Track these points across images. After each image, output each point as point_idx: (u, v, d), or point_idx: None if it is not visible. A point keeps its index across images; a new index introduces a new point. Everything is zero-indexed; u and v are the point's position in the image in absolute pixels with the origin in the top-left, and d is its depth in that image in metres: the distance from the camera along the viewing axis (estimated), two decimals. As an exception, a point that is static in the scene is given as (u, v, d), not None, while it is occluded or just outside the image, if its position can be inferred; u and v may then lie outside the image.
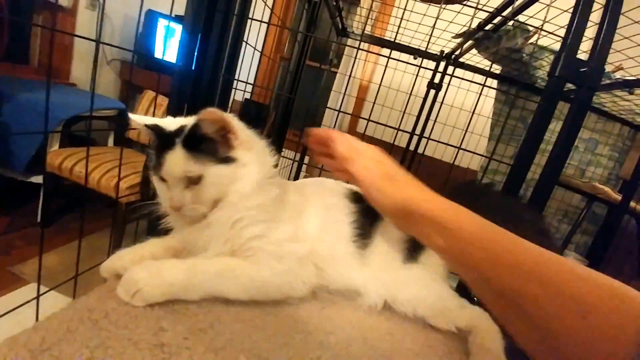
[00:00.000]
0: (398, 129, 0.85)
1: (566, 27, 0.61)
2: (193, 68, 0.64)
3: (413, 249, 0.49)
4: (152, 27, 2.21)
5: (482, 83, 0.92)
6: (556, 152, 0.62)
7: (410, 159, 1.83)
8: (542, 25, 0.71)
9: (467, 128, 0.84)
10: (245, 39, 0.78)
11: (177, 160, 0.39)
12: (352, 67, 2.32)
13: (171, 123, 0.43)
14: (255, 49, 0.88)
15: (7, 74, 1.60)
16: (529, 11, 0.88)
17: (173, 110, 0.63)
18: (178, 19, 2.22)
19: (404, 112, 0.97)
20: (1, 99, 1.42)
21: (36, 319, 0.64)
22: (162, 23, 2.24)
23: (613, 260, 1.34)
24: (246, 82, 0.88)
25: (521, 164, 0.67)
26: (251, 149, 0.44)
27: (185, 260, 0.38)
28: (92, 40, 0.58)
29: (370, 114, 0.87)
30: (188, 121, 0.43)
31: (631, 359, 0.23)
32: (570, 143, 0.62)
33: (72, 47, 1.96)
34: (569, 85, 0.65)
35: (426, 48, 1.40)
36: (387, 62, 0.89)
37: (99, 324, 0.29)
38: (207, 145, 0.40)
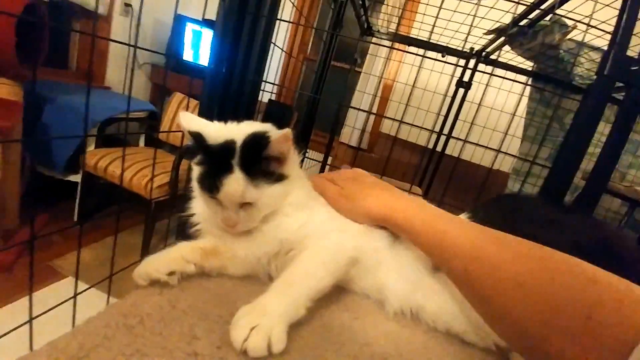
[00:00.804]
0: (421, 128, 0.82)
1: (614, 22, 0.57)
2: (224, 71, 0.64)
3: None
4: (181, 31, 2.28)
5: (516, 80, 0.87)
6: (604, 156, 0.58)
7: (438, 160, 1.78)
8: (590, 20, 0.66)
9: (507, 130, 0.80)
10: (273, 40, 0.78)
11: (237, 187, 0.38)
12: (381, 67, 2.29)
13: (215, 132, 0.42)
14: (283, 50, 0.87)
15: (47, 79, 1.69)
16: (568, 5, 0.83)
17: (204, 113, 0.64)
18: (206, 22, 2.28)
19: (437, 114, 0.94)
20: (43, 102, 1.51)
21: (73, 317, 0.67)
22: (190, 27, 2.30)
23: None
24: (273, 84, 0.88)
25: (563, 168, 0.63)
26: (295, 162, 0.44)
27: (270, 289, 0.36)
28: (128, 44, 0.61)
29: (401, 115, 0.84)
30: (234, 132, 0.42)
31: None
32: (620, 146, 0.58)
33: (107, 52, 2.05)
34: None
35: (462, 47, 1.35)
36: (420, 61, 0.86)
37: (135, 330, 0.29)
38: (264, 166, 0.40)
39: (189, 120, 0.41)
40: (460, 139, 1.14)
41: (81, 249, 1.47)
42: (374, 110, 2.53)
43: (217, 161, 0.40)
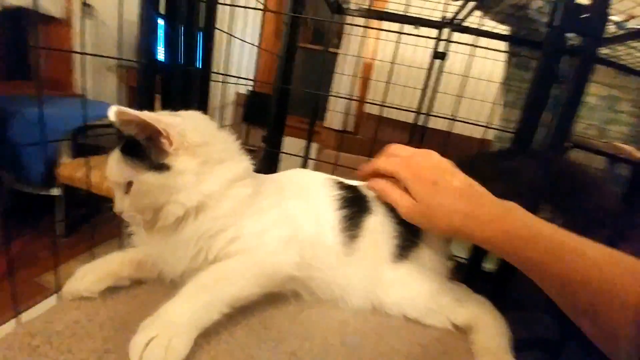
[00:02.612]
0: (399, 109, 0.78)
1: None
2: (160, 59, 0.61)
3: (403, 245, 0.44)
4: (152, 29, 2.19)
5: (488, 48, 0.82)
6: (561, 113, 0.56)
7: (420, 136, 1.75)
8: None
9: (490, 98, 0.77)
10: (232, 28, 0.74)
11: (112, 164, 0.38)
12: (358, 47, 2.23)
13: None
14: (234, 37, 0.83)
15: (9, 92, 1.64)
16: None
17: (142, 105, 0.61)
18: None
19: (420, 89, 0.90)
20: (7, 116, 1.46)
21: None
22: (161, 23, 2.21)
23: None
24: (232, 76, 0.84)
25: (526, 130, 0.60)
26: (199, 156, 0.38)
27: (179, 293, 0.33)
28: (78, 52, 0.56)
29: (383, 94, 0.80)
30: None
31: None
32: (577, 98, 0.55)
33: (71, 58, 1.98)
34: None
35: (433, 16, 1.30)
36: (397, 37, 0.82)
37: (39, 350, 0.28)
38: (142, 150, 0.37)
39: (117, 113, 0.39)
40: (438, 116, 1.11)
41: (69, 262, 1.46)
42: (355, 91, 2.47)
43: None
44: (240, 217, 0.39)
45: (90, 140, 1.81)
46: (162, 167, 0.37)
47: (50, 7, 1.83)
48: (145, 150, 0.37)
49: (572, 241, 0.31)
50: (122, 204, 0.39)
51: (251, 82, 2.50)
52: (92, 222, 1.82)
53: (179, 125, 0.38)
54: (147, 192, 0.37)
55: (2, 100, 1.52)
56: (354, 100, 2.46)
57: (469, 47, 1.26)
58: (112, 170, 0.38)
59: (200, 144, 0.39)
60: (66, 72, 1.97)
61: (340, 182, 0.48)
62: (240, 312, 0.35)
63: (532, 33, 1.24)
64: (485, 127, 0.87)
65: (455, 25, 1.44)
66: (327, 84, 2.47)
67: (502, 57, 1.62)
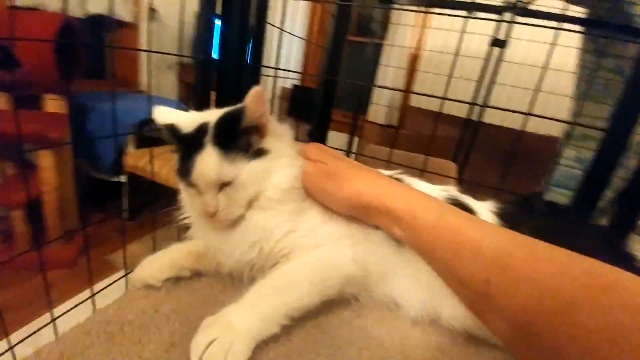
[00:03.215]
0: (450, 99, 0.72)
1: None
2: (216, 57, 0.63)
3: None
4: (209, 28, 2.31)
5: (563, 29, 0.72)
6: None
7: (474, 132, 1.64)
8: None
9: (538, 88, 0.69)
10: (279, 21, 0.74)
11: (209, 164, 0.35)
12: (408, 36, 2.14)
13: (189, 120, 0.39)
14: (285, 31, 0.84)
15: (89, 89, 1.83)
16: None
17: (199, 104, 0.64)
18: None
19: (475, 80, 0.84)
20: (86, 110, 1.65)
21: None
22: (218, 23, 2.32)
23: None
24: (277, 68, 0.85)
25: (619, 129, 0.53)
26: (280, 137, 0.41)
27: (242, 299, 0.34)
28: (145, 50, 0.60)
29: (431, 86, 0.76)
30: (209, 116, 0.39)
31: None
32: None
33: (138, 59, 2.16)
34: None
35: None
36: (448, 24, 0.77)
37: (114, 339, 0.30)
38: (241, 140, 0.37)
39: (163, 114, 0.40)
40: (497, 108, 1.02)
41: (133, 244, 1.61)
42: (402, 83, 2.38)
43: (191, 145, 0.37)
44: (298, 211, 0.39)
45: (152, 133, 1.98)
46: (262, 153, 0.38)
47: (122, 13, 2.01)
48: (249, 137, 0.38)
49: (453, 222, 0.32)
50: (216, 203, 0.36)
51: (295, 76, 2.51)
52: (153, 207, 1.99)
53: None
54: (253, 182, 0.37)
55: (83, 97, 1.71)
56: (398, 91, 2.36)
57: (533, 34, 1.13)
58: (210, 170, 0.35)
59: (278, 126, 0.41)
60: (133, 71, 2.16)
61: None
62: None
63: (615, 15, 1.09)
64: (567, 122, 0.78)
65: (519, 8, 1.31)
66: (370, 77, 2.40)
67: (575, 42, 1.44)
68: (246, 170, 0.36)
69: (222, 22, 0.65)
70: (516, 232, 0.29)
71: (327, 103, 1.39)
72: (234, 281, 0.41)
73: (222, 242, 0.40)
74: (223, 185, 0.36)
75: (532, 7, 1.29)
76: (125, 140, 1.74)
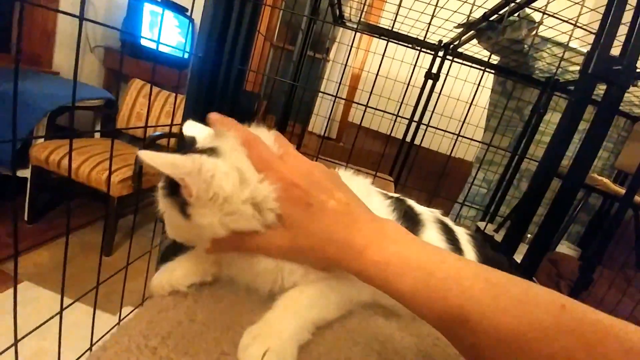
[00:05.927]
0: (397, 115, 0.83)
1: (599, 22, 0.60)
2: (212, 61, 0.60)
3: None
4: (138, 12, 2.11)
5: (483, 70, 0.90)
6: (582, 152, 0.62)
7: (408, 149, 1.83)
8: (577, 20, 0.69)
9: (465, 118, 0.83)
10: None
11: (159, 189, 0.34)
12: (348, 56, 2.29)
13: (207, 139, 0.35)
14: (261, 34, 0.84)
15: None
16: (537, 3, 0.87)
17: (191, 111, 0.59)
18: (167, 3, 2.13)
19: (406, 104, 0.95)
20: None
21: (59, 333, 0.60)
22: (147, 8, 2.13)
23: (611, 251, 1.37)
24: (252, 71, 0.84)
25: (548, 165, 0.66)
26: (223, 209, 0.30)
27: (278, 306, 0.33)
28: (75, 16, 0.46)
29: (368, 103, 0.83)
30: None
31: None
32: (599, 142, 0.61)
33: (55, 33, 1.86)
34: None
35: (425, 37, 1.39)
36: (385, 48, 0.86)
37: (159, 352, 0.27)
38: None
39: (191, 125, 0.38)
40: (432, 127, 1.17)
41: (36, 250, 1.35)
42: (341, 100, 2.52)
43: None
44: None
45: (65, 122, 1.70)
46: (185, 213, 0.31)
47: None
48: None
49: (442, 270, 0.27)
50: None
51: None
52: (64, 207, 1.70)
53: (211, 170, 0.29)
54: (171, 226, 0.35)
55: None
56: (341, 99, 2.50)
57: (457, 70, 1.34)
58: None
59: (230, 195, 0.30)
60: (46, 47, 1.84)
61: (380, 190, 0.48)
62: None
63: (521, 66, 1.36)
64: (485, 144, 0.93)
65: (451, 50, 1.53)
66: (316, 90, 2.50)
67: (489, 84, 1.74)
68: (167, 214, 0.35)
69: (221, 25, 0.61)
70: (488, 267, 0.28)
71: (287, 112, 1.41)
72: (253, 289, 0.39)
73: (240, 268, 0.37)
74: None
75: (461, 50, 1.52)
76: (32, 128, 1.46)
